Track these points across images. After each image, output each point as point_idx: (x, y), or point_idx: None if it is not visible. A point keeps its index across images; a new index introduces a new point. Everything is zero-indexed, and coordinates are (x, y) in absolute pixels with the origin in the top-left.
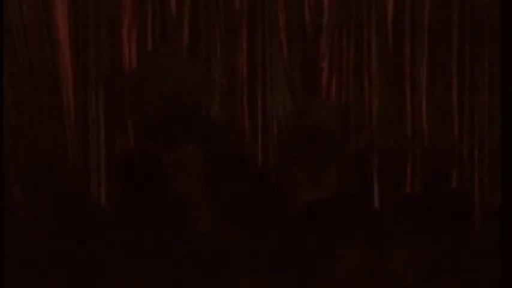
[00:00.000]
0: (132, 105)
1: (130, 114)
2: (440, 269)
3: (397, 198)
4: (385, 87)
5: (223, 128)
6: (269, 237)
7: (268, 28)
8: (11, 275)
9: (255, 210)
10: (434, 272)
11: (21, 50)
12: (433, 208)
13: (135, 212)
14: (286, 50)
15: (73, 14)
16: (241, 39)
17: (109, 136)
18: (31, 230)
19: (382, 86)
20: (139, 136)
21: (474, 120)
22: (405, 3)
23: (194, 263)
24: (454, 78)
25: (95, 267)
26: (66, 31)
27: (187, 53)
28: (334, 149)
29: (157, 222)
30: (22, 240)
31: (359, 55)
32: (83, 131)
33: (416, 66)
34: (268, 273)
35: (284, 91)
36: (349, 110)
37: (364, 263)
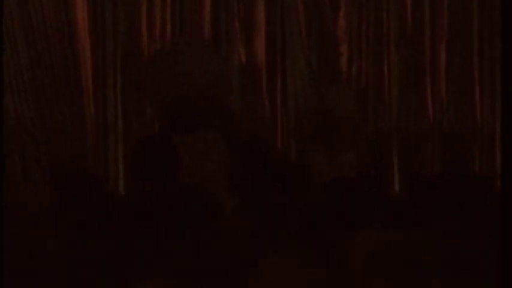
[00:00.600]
0: (150, 92)
1: (148, 101)
2: (460, 253)
3: (417, 182)
4: (405, 71)
5: (242, 113)
6: (289, 220)
7: (287, 12)
8: (19, 261)
9: (275, 193)
10: (454, 255)
11: (41, 38)
12: (453, 191)
13: (154, 200)
14: (305, 34)
15: (91, 2)
16: (259, 23)
17: (127, 123)
18: (46, 219)
19: (402, 69)
20: (157, 123)
21: (495, 103)
22: None
23: (216, 248)
24: (475, 61)
25: (113, 256)
26: (85, 18)
27: (206, 39)
28: (353, 132)
29: (176, 209)
30: (37, 229)
31: (378, 39)
32: (102, 119)
33: (436, 49)
34: (288, 256)
35: (303, 75)
36: (369, 94)
37: (383, 246)
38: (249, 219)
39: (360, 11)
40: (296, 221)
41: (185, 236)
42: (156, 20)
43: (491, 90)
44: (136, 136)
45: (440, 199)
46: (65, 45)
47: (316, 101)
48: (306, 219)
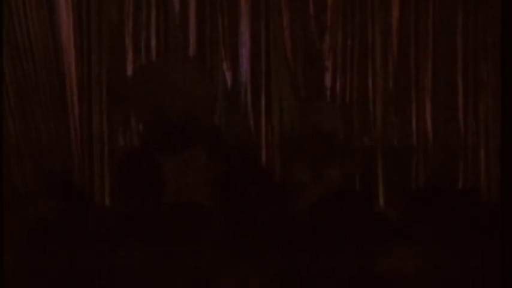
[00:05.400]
0: (135, 107)
1: (133, 116)
2: (445, 267)
3: (402, 197)
4: (389, 87)
5: (227, 130)
6: (274, 238)
7: (272, 29)
8: (11, 276)
9: (259, 211)
10: (440, 271)
11: (26, 55)
12: (438, 207)
13: (138, 217)
14: (290, 50)
15: (77, 19)
16: (244, 41)
17: (112, 137)
18: (34, 232)
19: (386, 85)
20: (142, 139)
21: (479, 118)
22: (409, 3)
23: (199, 265)
24: (459, 77)
25: (98, 269)
26: (70, 34)
27: (190, 57)
28: (338, 148)
29: (161, 225)
30: (24, 241)
31: (363, 54)
32: (87, 133)
33: (421, 64)
34: (273, 273)
35: (288, 91)
36: (353, 109)
37: (368, 262)
38: (234, 236)
39: (345, 27)
40: (281, 238)
41: (171, 250)
42: (140, 36)
43: (475, 106)
44: (121, 149)
45: (425, 213)
46: (50, 61)
47: (301, 118)
48: (290, 236)
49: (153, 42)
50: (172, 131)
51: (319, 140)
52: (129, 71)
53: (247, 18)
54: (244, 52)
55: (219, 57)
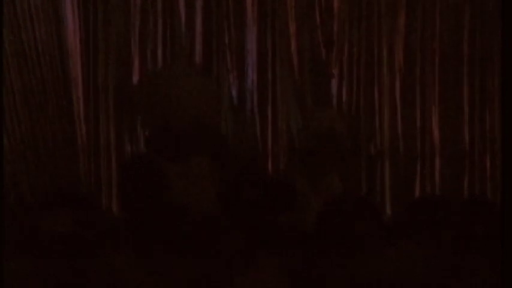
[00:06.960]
0: (141, 114)
1: (140, 123)
2: (449, 272)
3: (407, 205)
4: (396, 95)
5: (233, 139)
6: (280, 245)
7: (279, 36)
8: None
9: (266, 219)
10: (444, 275)
11: (33, 64)
12: (444, 215)
13: (144, 224)
14: (296, 59)
15: (84, 28)
16: (250, 48)
17: (120, 143)
18: (41, 239)
19: (392, 93)
20: (148, 146)
21: (486, 126)
22: (416, 12)
23: (206, 270)
24: (465, 85)
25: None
26: (77, 41)
27: (197, 64)
28: (345, 156)
29: (165, 234)
30: (30, 249)
31: (369, 63)
32: (94, 140)
33: (427, 73)
34: (279, 281)
35: (294, 100)
36: (360, 118)
37: (375, 267)
38: (240, 244)
39: (351, 36)
40: (287, 245)
41: (176, 256)
42: (147, 44)
43: (481, 115)
44: (128, 157)
45: (431, 221)
46: (57, 69)
47: (307, 126)
48: (296, 243)
49: (160, 51)
50: (179, 138)
51: (325, 148)
52: (136, 79)
53: (254, 26)
54: (251, 60)
55: (225, 66)
